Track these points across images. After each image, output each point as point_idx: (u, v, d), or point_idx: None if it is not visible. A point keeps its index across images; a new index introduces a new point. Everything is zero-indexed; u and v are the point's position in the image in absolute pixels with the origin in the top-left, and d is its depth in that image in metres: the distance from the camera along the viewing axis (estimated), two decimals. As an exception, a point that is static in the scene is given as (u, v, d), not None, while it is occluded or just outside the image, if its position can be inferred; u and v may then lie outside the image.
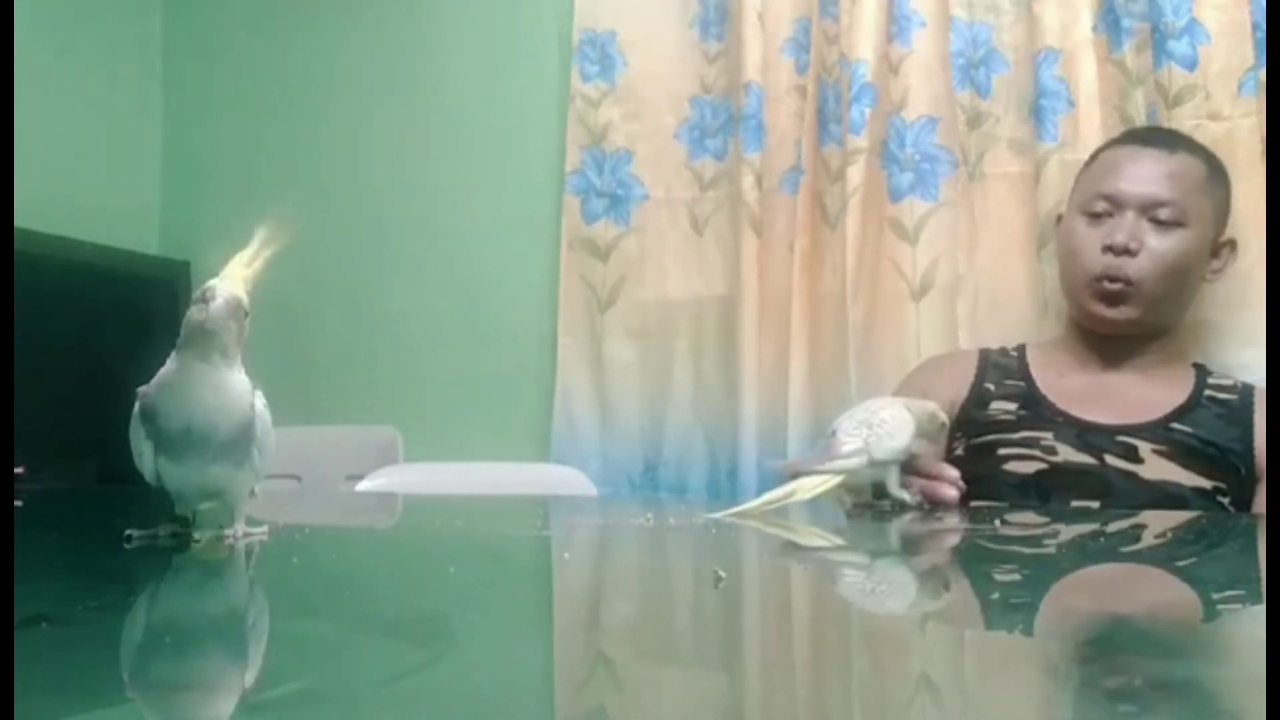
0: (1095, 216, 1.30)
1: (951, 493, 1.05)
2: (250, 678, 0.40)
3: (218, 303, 0.66)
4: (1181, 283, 1.30)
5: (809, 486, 0.98)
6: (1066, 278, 1.35)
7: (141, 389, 0.70)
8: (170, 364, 0.69)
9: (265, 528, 0.74)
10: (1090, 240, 1.29)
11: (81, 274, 2.01)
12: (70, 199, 2.03)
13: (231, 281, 0.67)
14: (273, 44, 2.19)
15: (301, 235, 2.49)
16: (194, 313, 0.67)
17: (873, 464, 0.99)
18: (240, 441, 0.69)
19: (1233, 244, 1.34)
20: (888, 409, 1.03)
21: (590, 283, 1.79)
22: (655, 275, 1.76)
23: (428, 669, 0.41)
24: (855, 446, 0.99)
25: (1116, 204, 1.28)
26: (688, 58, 1.76)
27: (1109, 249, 1.27)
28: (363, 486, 1.37)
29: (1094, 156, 1.36)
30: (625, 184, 1.78)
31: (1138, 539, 0.95)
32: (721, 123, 1.74)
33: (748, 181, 1.65)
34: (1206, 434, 1.24)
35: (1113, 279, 1.27)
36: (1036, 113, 1.52)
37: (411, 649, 0.45)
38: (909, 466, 1.04)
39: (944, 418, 1.09)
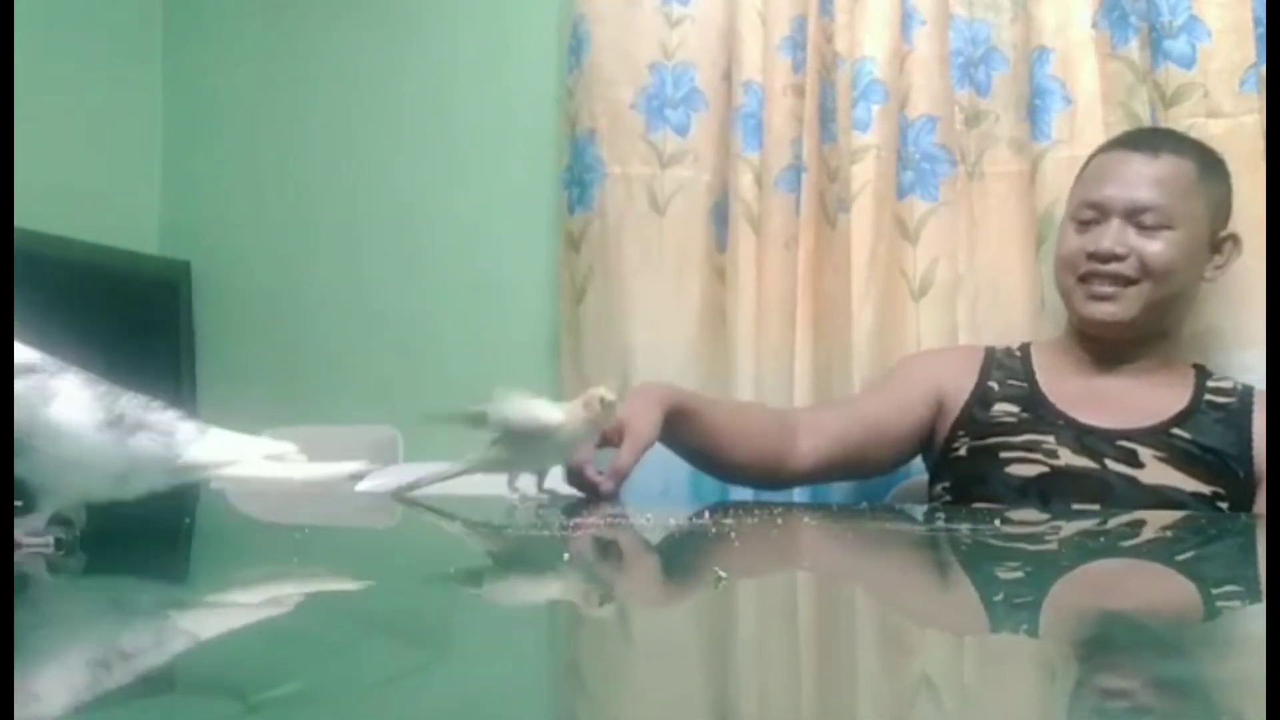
0: (1084, 224, 1.30)
1: (608, 485, 1.07)
2: (250, 678, 0.40)
3: None
4: (1175, 285, 1.29)
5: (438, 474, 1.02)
6: (1059, 282, 1.36)
7: None
8: None
9: (49, 539, 0.64)
10: (1077, 246, 1.30)
11: (81, 274, 2.01)
12: (70, 199, 2.03)
13: None
14: (272, 43, 2.19)
15: (301, 235, 2.49)
16: None
17: (499, 454, 1.01)
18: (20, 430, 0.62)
19: (1235, 239, 1.33)
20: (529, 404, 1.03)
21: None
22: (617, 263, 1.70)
23: (427, 669, 0.41)
24: (476, 411, 1.01)
25: (1102, 211, 1.28)
26: (650, 25, 1.71)
27: (1094, 255, 1.28)
28: (363, 486, 1.36)
29: (1086, 163, 1.36)
30: (590, 166, 1.72)
31: (1136, 536, 0.95)
32: (684, 94, 1.71)
33: (746, 179, 1.64)
34: (1206, 440, 1.24)
35: (1102, 281, 1.28)
36: (1032, 112, 1.51)
37: (411, 649, 0.45)
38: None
39: (609, 396, 1.02)
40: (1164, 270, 1.26)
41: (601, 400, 1.00)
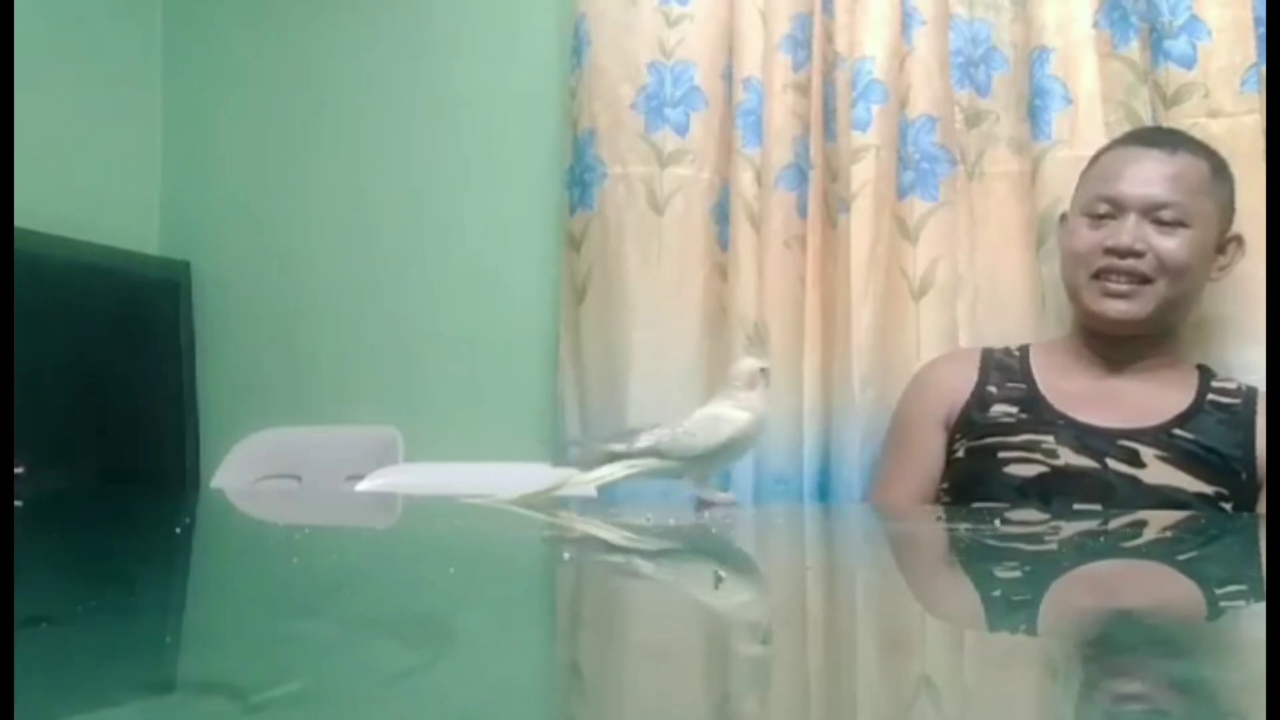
0: (1098, 218, 1.30)
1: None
2: (250, 678, 0.40)
3: None
4: (1187, 284, 1.29)
5: (580, 481, 0.99)
6: (1069, 278, 1.35)
7: None
8: None
9: None
10: (1092, 241, 1.29)
11: (81, 274, 2.01)
12: (70, 199, 2.03)
13: None
14: (272, 43, 2.19)
15: (302, 235, 2.48)
16: None
17: (666, 462, 0.99)
18: None
19: (1239, 240, 1.33)
20: (710, 409, 1.02)
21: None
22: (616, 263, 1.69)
23: (427, 669, 0.41)
24: (645, 445, 0.99)
25: (1119, 206, 1.28)
26: (648, 24, 1.70)
27: (1112, 251, 1.27)
28: (363, 486, 1.37)
29: (1096, 158, 1.36)
30: (591, 166, 1.72)
31: (1138, 536, 0.95)
32: (683, 93, 1.70)
33: (747, 177, 1.64)
34: (1208, 440, 1.24)
35: (1119, 277, 1.27)
36: (1032, 112, 1.51)
37: (411, 649, 0.45)
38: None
39: (765, 363, 1.04)
40: (1180, 268, 1.26)
41: (763, 371, 1.00)
